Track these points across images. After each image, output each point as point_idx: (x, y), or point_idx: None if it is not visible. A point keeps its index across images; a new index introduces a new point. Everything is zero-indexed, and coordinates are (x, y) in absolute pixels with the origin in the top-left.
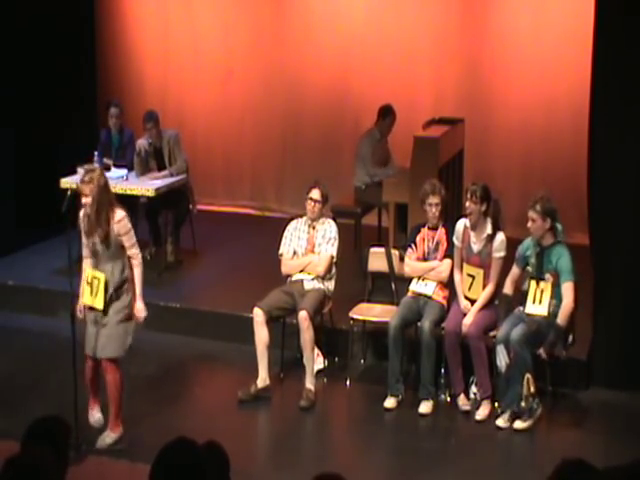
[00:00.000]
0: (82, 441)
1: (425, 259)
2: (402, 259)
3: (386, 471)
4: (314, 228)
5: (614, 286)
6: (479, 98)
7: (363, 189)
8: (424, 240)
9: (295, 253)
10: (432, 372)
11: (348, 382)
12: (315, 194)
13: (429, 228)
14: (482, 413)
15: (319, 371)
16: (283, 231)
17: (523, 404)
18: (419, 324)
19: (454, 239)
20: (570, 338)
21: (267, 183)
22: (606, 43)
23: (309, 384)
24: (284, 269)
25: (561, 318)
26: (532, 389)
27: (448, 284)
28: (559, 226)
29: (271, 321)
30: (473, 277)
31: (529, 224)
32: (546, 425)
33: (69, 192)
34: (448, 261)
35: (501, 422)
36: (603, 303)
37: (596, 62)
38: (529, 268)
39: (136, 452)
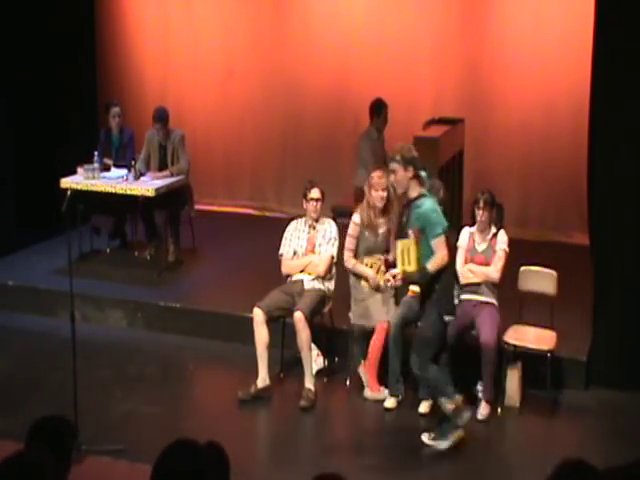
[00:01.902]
0: (82, 441)
1: None
2: None
3: (386, 471)
4: (314, 228)
5: (614, 286)
6: (479, 98)
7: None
8: None
9: (295, 253)
10: None
11: (348, 382)
12: (315, 193)
13: None
14: (482, 413)
15: (319, 371)
16: (283, 231)
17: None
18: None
19: (458, 243)
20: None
21: (267, 183)
22: (606, 43)
23: (309, 384)
24: (284, 269)
25: (431, 264)
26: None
27: None
28: (423, 173)
29: (271, 321)
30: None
31: (391, 178)
32: (546, 425)
33: (69, 192)
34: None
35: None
36: (603, 303)
37: (596, 62)
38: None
39: (136, 452)
